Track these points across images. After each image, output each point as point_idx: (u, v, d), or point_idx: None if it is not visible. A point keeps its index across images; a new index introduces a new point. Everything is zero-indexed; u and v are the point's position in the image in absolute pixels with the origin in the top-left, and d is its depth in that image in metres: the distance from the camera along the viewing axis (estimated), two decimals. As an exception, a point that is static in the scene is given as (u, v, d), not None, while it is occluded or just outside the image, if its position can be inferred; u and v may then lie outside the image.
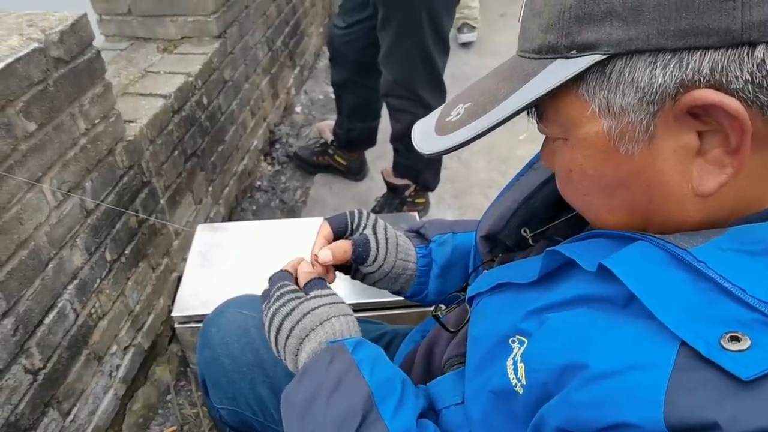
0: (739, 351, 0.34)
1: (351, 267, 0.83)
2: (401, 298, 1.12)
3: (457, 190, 2.27)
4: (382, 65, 1.81)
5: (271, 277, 0.74)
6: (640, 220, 0.47)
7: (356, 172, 2.33)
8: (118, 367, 1.38)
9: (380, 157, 2.38)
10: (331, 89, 2.58)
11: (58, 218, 1.14)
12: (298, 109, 2.80)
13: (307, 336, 0.66)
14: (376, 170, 2.30)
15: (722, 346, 0.35)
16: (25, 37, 1.07)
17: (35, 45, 1.05)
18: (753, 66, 0.37)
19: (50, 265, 1.13)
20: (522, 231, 0.68)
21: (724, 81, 0.37)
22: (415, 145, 0.53)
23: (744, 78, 0.37)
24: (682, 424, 0.35)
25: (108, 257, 1.31)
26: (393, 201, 2.08)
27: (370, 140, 2.26)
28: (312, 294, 0.70)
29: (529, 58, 0.46)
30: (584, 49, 0.41)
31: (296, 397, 0.61)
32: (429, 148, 0.50)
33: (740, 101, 0.37)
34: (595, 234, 0.48)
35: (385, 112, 2.04)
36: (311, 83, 3.03)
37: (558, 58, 0.43)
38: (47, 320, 1.12)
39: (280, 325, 0.67)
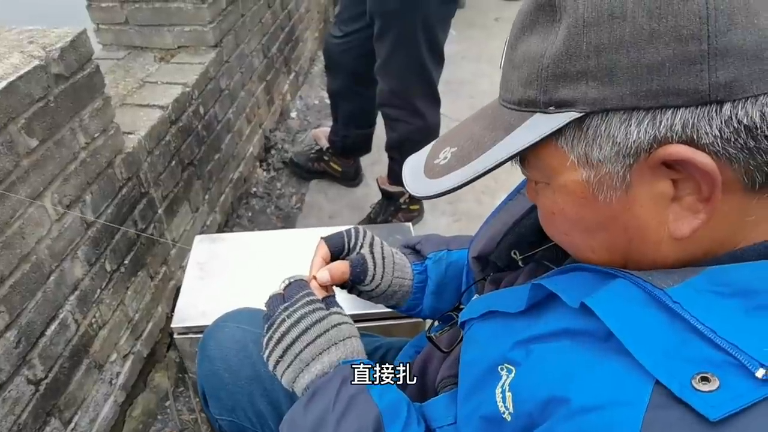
0: (709, 392, 0.37)
1: (346, 285, 0.85)
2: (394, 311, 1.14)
3: (452, 197, 2.29)
4: (378, 75, 1.84)
5: (290, 283, 0.74)
6: (619, 258, 0.49)
7: (351, 178, 2.36)
8: (118, 374, 1.40)
9: (375, 163, 2.41)
10: (325, 94, 2.60)
11: (59, 232, 1.16)
12: (293, 114, 2.82)
13: (327, 349, 0.67)
14: (372, 177, 2.33)
15: (693, 386, 0.37)
16: (27, 54, 1.09)
17: (36, 62, 1.08)
18: (721, 123, 0.39)
19: (52, 278, 1.15)
20: (512, 253, 0.71)
21: (695, 137, 0.40)
22: (405, 185, 0.56)
23: (713, 134, 0.40)
24: None
25: (108, 268, 1.33)
26: (388, 208, 2.11)
27: (366, 147, 2.29)
28: (333, 309, 0.71)
29: (510, 108, 0.49)
30: (561, 105, 0.44)
31: (305, 419, 0.62)
32: (419, 191, 0.53)
33: (710, 155, 0.40)
34: (578, 267, 0.51)
35: (380, 119, 2.06)
36: (306, 88, 3.06)
37: (537, 111, 0.46)
38: (49, 331, 1.14)
39: (305, 330, 0.68)
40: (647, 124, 0.41)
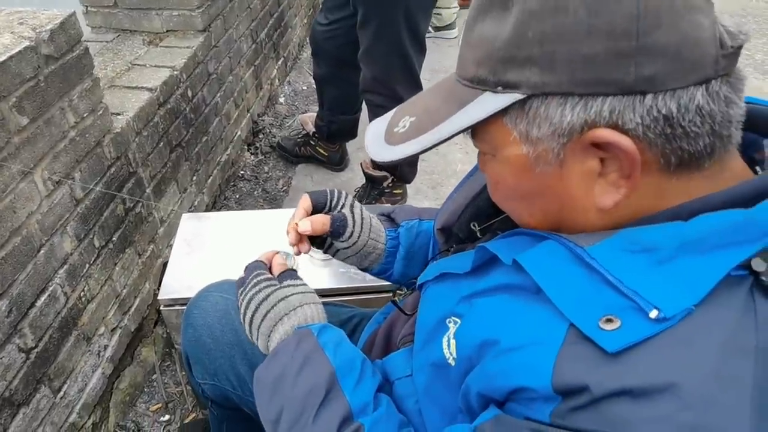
0: (611, 330, 0.43)
1: (324, 242, 0.91)
2: (372, 284, 1.20)
3: (435, 182, 2.35)
4: (362, 63, 1.88)
5: (247, 266, 0.82)
6: (553, 222, 0.55)
7: (337, 162, 2.40)
8: (105, 347, 1.46)
9: (361, 148, 2.45)
10: (313, 80, 2.64)
11: (49, 207, 1.20)
12: (281, 99, 2.85)
13: (280, 320, 0.73)
14: (357, 161, 2.38)
15: (599, 326, 0.44)
16: (17, 35, 1.13)
17: (27, 43, 1.11)
18: (643, 111, 0.45)
19: (42, 251, 1.19)
20: (471, 225, 0.77)
21: (620, 122, 0.46)
22: (366, 148, 0.60)
23: (636, 120, 0.45)
24: (565, 387, 0.44)
25: (96, 244, 1.38)
26: (372, 192, 2.16)
27: (351, 132, 2.33)
28: (285, 283, 0.77)
29: (463, 84, 0.54)
30: (508, 86, 0.49)
31: (267, 376, 0.69)
32: (378, 155, 0.58)
33: (632, 138, 0.46)
34: (518, 232, 0.58)
35: (365, 105, 2.11)
36: (295, 74, 3.09)
37: (487, 90, 0.51)
38: (39, 303, 1.19)
39: (256, 309, 0.75)
40: (580, 109, 0.46)
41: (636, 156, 0.46)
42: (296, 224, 0.84)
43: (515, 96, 0.49)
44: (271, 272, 0.81)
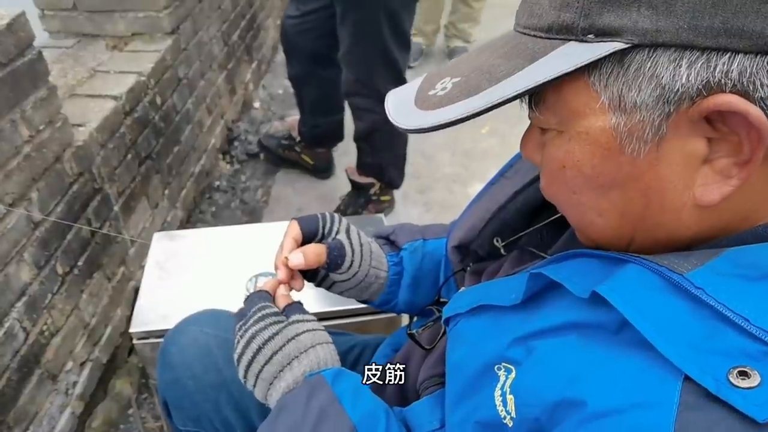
0: (749, 388, 0.32)
1: (317, 274, 0.78)
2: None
3: (423, 186, 2.25)
4: (343, 64, 1.76)
5: (248, 297, 0.69)
6: (630, 225, 0.44)
7: (324, 170, 2.27)
8: (74, 384, 1.32)
9: (345, 153, 2.34)
10: (289, 83, 2.51)
11: (1, 233, 1.06)
12: (256, 104, 2.72)
13: (288, 364, 0.62)
14: (341, 168, 2.26)
15: (731, 382, 0.32)
16: (-43, 39, 0.99)
17: (-32, 48, 0.98)
18: None
19: (-6, 284, 1.06)
20: (494, 241, 0.66)
21: (750, 88, 0.35)
22: (390, 119, 0.46)
23: None
24: None
25: (59, 270, 1.24)
26: (358, 199, 2.05)
27: (337, 135, 2.20)
28: (294, 318, 0.65)
29: (534, 36, 0.41)
30: (603, 33, 0.37)
31: None
32: (410, 123, 0.44)
33: (761, 110, 0.35)
34: (579, 253, 0.45)
35: (347, 107, 1.99)
36: (270, 77, 2.96)
37: (571, 40, 0.39)
38: (-7, 342, 1.05)
39: (259, 349, 0.62)
40: (700, 67, 0.35)
41: (766, 133, 0.35)
42: (286, 258, 0.71)
43: (615, 45, 0.37)
44: (275, 304, 0.69)
